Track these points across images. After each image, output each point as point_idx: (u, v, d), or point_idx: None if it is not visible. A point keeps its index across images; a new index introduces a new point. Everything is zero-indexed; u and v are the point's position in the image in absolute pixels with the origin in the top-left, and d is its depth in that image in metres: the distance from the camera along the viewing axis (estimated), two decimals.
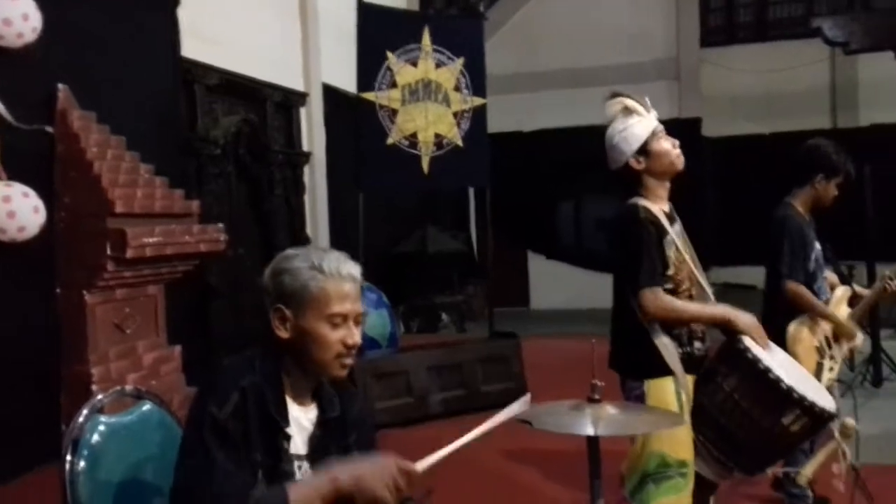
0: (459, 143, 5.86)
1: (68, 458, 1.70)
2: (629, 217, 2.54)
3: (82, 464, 1.71)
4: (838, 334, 3.46)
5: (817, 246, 3.57)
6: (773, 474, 3.71)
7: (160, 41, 6.25)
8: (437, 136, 5.78)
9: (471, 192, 13.00)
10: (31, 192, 4.40)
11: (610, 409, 1.82)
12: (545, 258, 13.26)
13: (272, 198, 8.30)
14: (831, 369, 3.48)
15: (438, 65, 5.83)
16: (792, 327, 3.40)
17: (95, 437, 1.76)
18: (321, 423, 1.73)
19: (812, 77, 12.40)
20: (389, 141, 5.64)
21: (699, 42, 12.88)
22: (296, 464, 1.67)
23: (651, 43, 12.83)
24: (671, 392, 2.46)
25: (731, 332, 2.53)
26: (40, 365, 4.71)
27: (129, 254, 4.69)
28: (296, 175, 8.76)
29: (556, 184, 12.93)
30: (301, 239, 8.74)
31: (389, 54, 5.66)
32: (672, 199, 2.68)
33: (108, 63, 5.46)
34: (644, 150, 2.56)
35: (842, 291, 3.64)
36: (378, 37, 5.64)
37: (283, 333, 1.66)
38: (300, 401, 1.71)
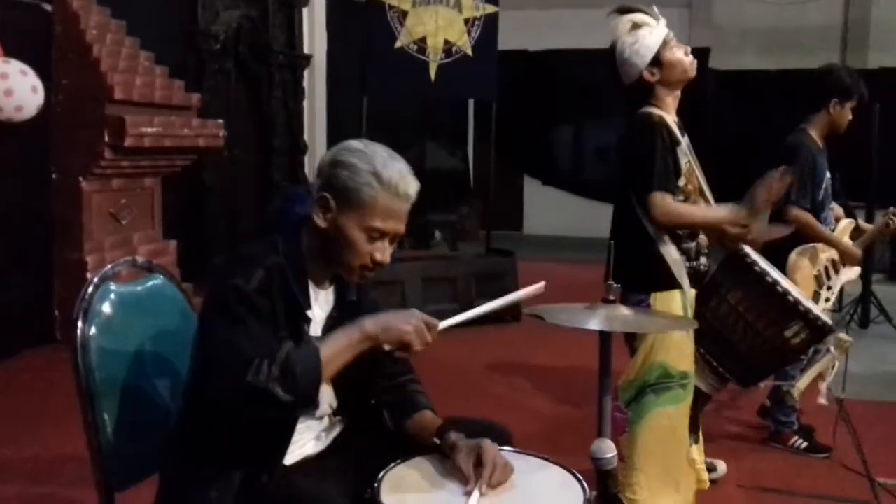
0: (469, 52, 5.71)
1: (79, 324, 1.67)
2: (643, 122, 2.49)
3: (93, 330, 1.69)
4: (843, 259, 3.47)
5: (828, 175, 3.54)
6: (762, 404, 3.80)
7: None
8: (447, 42, 5.63)
9: (471, 107, 12.79)
10: (30, 71, 4.24)
11: (623, 310, 1.81)
12: (541, 183, 13.17)
13: (271, 100, 8.15)
14: (827, 300, 3.51)
15: None
16: (793, 255, 3.40)
17: (106, 306, 1.74)
18: (338, 306, 1.71)
19: (824, 14, 12.13)
20: (398, 44, 5.49)
21: None
22: None
23: None
24: (678, 305, 2.45)
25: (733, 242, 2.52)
26: (34, 250, 4.68)
27: (128, 142, 4.61)
28: (296, 78, 8.58)
29: (557, 108, 12.74)
30: (299, 145, 8.63)
31: None
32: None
33: None
34: (657, 61, 2.49)
35: (846, 223, 3.64)
36: None
37: (321, 222, 1.61)
38: (320, 284, 1.68)
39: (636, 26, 2.49)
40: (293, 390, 1.44)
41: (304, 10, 8.70)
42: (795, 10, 11.86)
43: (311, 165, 8.88)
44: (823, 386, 2.84)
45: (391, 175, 1.58)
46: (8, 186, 4.50)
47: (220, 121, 5.63)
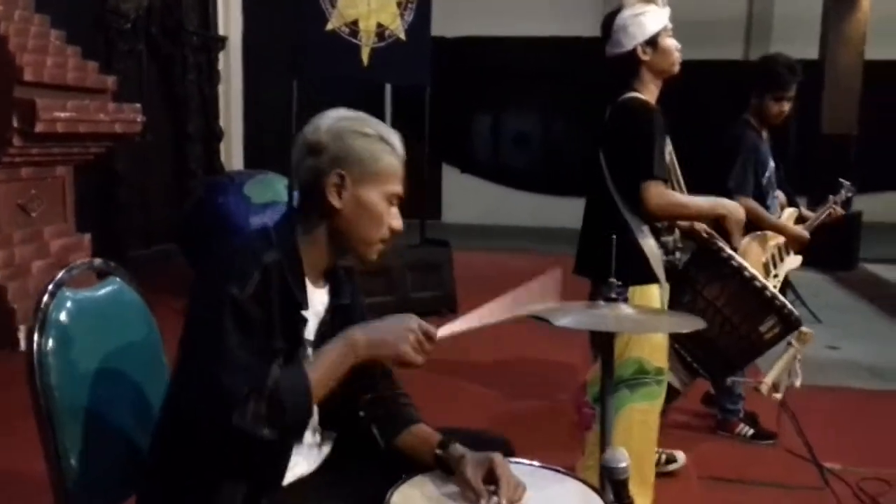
0: (402, 36, 5.55)
1: (35, 337, 1.46)
2: (638, 107, 2.43)
3: (51, 343, 1.48)
4: (789, 246, 3.52)
5: (771, 164, 3.58)
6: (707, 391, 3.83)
7: None
8: (380, 25, 5.45)
9: (387, 92, 12.59)
10: None
11: (627, 310, 1.74)
12: (460, 171, 13.13)
13: (185, 83, 7.76)
14: (774, 287, 3.56)
15: None
16: (744, 241, 3.43)
17: (63, 315, 1.54)
18: (332, 308, 1.57)
19: (730, 7, 12.52)
20: (329, 27, 5.27)
21: None
22: (305, 351, 1.51)
23: None
24: (657, 299, 2.41)
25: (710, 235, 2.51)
26: None
27: (39, 128, 4.25)
28: (210, 60, 8.20)
29: (475, 95, 12.71)
30: (215, 131, 8.26)
31: None
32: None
33: None
34: (653, 42, 2.45)
35: (790, 212, 3.70)
36: None
37: (337, 202, 1.48)
38: (315, 283, 1.54)
39: (646, 1, 2.43)
40: (282, 425, 1.34)
41: None
42: (700, 2, 12.20)
43: (226, 152, 8.52)
44: (797, 381, 2.87)
45: (394, 139, 1.53)
46: None
47: (138, 105, 5.29)
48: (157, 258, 7.18)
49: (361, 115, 1.54)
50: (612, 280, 1.79)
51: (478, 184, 12.92)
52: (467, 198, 12.82)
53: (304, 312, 1.48)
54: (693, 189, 2.66)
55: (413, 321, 1.44)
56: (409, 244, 5.92)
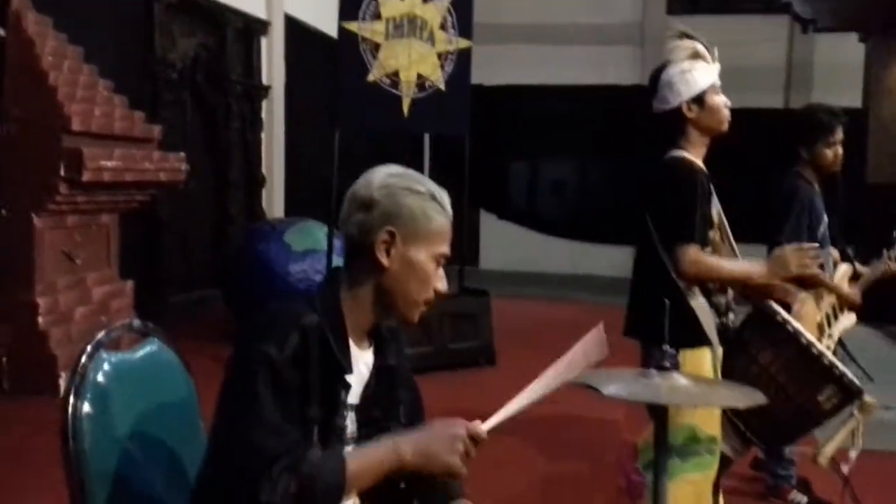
0: (442, 86, 5.57)
1: (71, 400, 1.43)
2: (681, 167, 2.37)
3: (87, 407, 1.44)
4: (842, 305, 3.39)
5: (825, 218, 3.48)
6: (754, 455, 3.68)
7: None
8: (420, 76, 5.48)
9: (426, 141, 12.69)
10: None
11: (681, 380, 1.65)
12: (497, 218, 13.11)
13: (228, 131, 7.89)
14: (828, 347, 3.42)
15: (426, 0, 5.51)
16: (797, 302, 3.30)
17: (100, 377, 1.50)
18: (377, 370, 1.52)
19: (769, 55, 12.45)
20: (370, 78, 5.32)
21: (665, 8, 12.79)
22: (348, 415, 1.45)
23: (618, 5, 12.67)
24: (708, 364, 2.32)
25: (758, 297, 2.41)
26: None
27: (86, 177, 4.31)
28: (253, 109, 8.34)
29: (511, 143, 12.75)
30: (257, 178, 8.36)
31: None
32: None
33: None
34: (700, 100, 2.40)
35: (844, 269, 3.56)
36: None
37: (385, 260, 1.44)
38: (359, 343, 1.49)
39: (695, 56, 2.38)
40: None
41: (263, 40, 8.49)
42: (741, 52, 12.11)
43: (268, 198, 8.60)
44: (853, 453, 2.72)
45: (444, 199, 1.50)
46: None
47: (182, 154, 5.36)
48: (198, 303, 7.23)
49: (413, 172, 1.50)
50: (666, 348, 1.71)
51: (515, 231, 12.87)
52: (505, 245, 12.77)
53: (347, 377, 1.43)
54: (737, 240, 2.58)
55: (461, 428, 1.38)
56: (447, 293, 5.85)
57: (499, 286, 8.76)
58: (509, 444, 4.12)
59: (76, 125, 4.33)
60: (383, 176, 1.47)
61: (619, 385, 1.63)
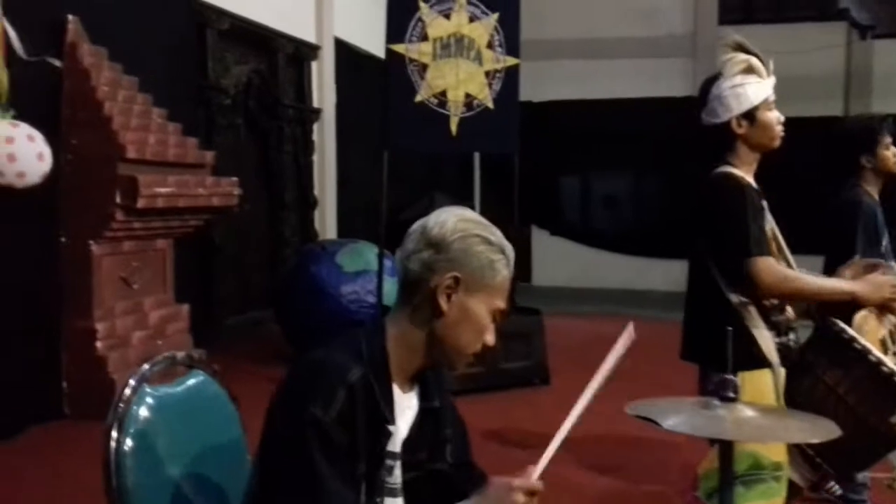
0: (490, 104, 5.53)
1: (114, 434, 1.42)
2: (729, 183, 2.29)
3: (129, 443, 1.43)
4: None
5: (886, 232, 3.33)
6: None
7: None
8: (468, 95, 5.45)
9: (476, 159, 12.67)
10: (38, 137, 4.02)
11: (746, 411, 1.55)
12: (549, 234, 13.00)
13: (281, 154, 7.99)
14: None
15: (472, 19, 5.48)
16: (859, 317, 3.15)
17: (143, 412, 1.49)
18: (422, 412, 1.47)
19: (827, 63, 12.13)
20: (418, 98, 5.30)
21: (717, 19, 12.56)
22: (392, 464, 1.41)
23: (667, 17, 12.50)
24: (769, 387, 2.22)
25: (825, 315, 2.29)
26: (42, 319, 4.41)
27: (140, 203, 4.39)
28: (305, 132, 8.44)
29: (562, 158, 12.66)
30: (309, 200, 8.44)
31: (422, 4, 5.30)
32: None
33: None
34: (750, 115, 2.31)
35: None
36: None
37: (445, 305, 1.39)
38: (403, 387, 1.45)
39: (748, 70, 2.30)
40: None
41: (314, 64, 8.60)
42: (797, 60, 11.81)
43: (320, 220, 8.68)
44: None
45: (510, 251, 1.44)
46: (15, 251, 4.25)
47: (235, 178, 5.43)
48: (253, 325, 7.31)
49: (485, 221, 1.46)
50: (730, 377, 1.61)
51: (567, 246, 12.75)
52: (557, 260, 12.66)
53: (390, 427, 1.39)
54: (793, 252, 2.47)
55: (517, 493, 1.36)
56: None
57: (551, 303, 8.71)
58: (568, 466, 4.03)
59: (131, 153, 4.43)
60: (457, 219, 1.42)
61: (680, 418, 1.55)
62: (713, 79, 2.38)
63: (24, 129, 3.98)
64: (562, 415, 1.45)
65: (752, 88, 2.30)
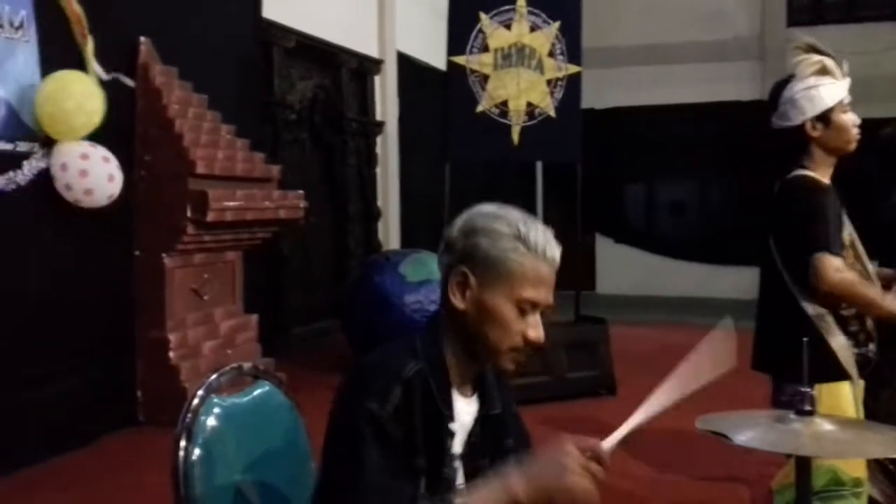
0: (552, 113, 5.51)
1: (182, 444, 1.45)
2: (807, 184, 2.22)
3: (197, 452, 1.46)
4: None
5: None
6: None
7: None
8: (529, 104, 5.45)
9: (538, 168, 12.61)
10: (113, 160, 4.19)
11: (824, 425, 1.49)
12: (613, 241, 12.82)
13: (345, 167, 8.11)
14: None
15: (533, 28, 5.47)
16: None
17: (211, 422, 1.52)
18: (482, 419, 1.45)
19: None
20: (479, 108, 5.33)
21: (786, 21, 12.23)
22: (456, 465, 1.40)
23: (734, 20, 12.22)
24: (848, 399, 2.13)
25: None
26: (116, 330, 4.56)
27: (210, 217, 4.50)
28: (368, 145, 8.54)
29: (626, 165, 12.50)
30: (373, 212, 8.54)
31: (482, 16, 5.33)
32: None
33: (192, 18, 5.24)
34: (825, 118, 2.24)
35: None
36: None
37: (459, 303, 1.37)
38: (462, 390, 1.43)
39: (822, 71, 2.24)
40: None
41: (376, 78, 8.71)
42: (869, 60, 11.39)
43: (384, 231, 8.77)
44: None
45: (537, 237, 1.36)
46: (92, 266, 4.41)
47: (301, 192, 5.53)
48: (318, 334, 7.42)
49: (504, 210, 1.41)
50: (807, 390, 1.55)
51: (632, 254, 12.56)
52: (622, 268, 12.48)
53: (450, 425, 1.38)
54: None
55: (568, 444, 1.26)
56: (564, 321, 5.74)
57: (616, 311, 8.61)
58: (637, 466, 3.96)
59: (201, 168, 4.55)
60: (469, 215, 1.41)
61: (754, 432, 1.49)
62: (784, 81, 2.32)
63: (100, 151, 4.15)
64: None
65: (826, 90, 2.23)
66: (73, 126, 4.01)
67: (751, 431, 1.47)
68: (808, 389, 1.54)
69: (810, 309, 2.16)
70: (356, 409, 1.29)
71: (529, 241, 1.36)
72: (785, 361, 2.24)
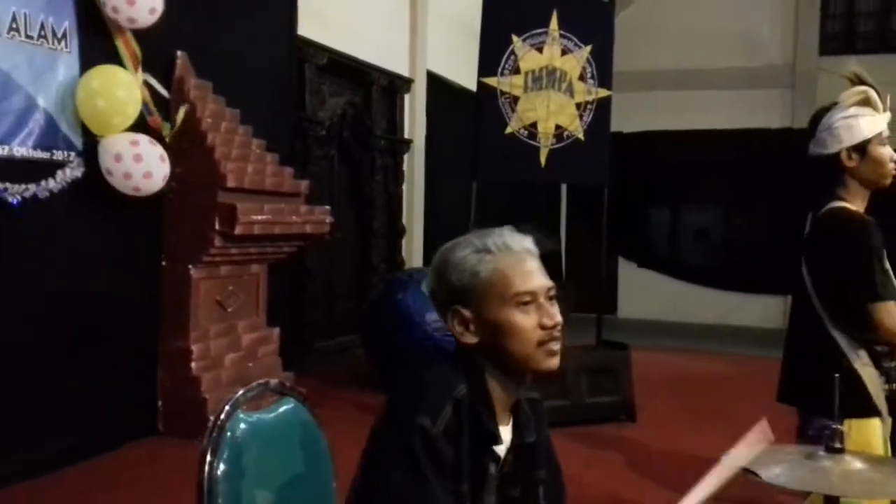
0: (581, 136, 5.52)
1: (208, 458, 1.46)
2: (850, 220, 2.19)
3: (222, 467, 1.47)
4: None
5: None
6: None
7: (279, 17, 6.11)
8: (558, 127, 5.46)
9: (563, 190, 12.60)
10: (158, 144, 4.35)
11: (855, 463, 1.47)
12: (636, 266, 12.74)
13: (372, 183, 8.15)
14: None
15: (564, 51, 5.49)
16: None
17: (237, 437, 1.53)
18: (515, 448, 1.45)
19: None
20: (508, 130, 5.34)
21: (818, 49, 12.16)
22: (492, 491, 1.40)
23: (765, 48, 12.17)
24: (878, 436, 2.10)
25: None
26: (141, 339, 4.60)
27: (238, 230, 4.54)
28: (396, 162, 8.59)
29: (652, 189, 12.44)
30: (397, 228, 8.57)
31: (515, 38, 5.36)
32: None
33: (227, 34, 5.32)
34: (861, 149, 2.22)
35: None
36: (504, 19, 5.34)
37: (470, 338, 1.39)
38: (501, 418, 1.43)
39: (864, 102, 2.22)
40: None
41: (406, 97, 8.77)
42: None
43: (407, 248, 8.79)
44: None
45: (495, 240, 1.39)
46: (120, 273, 4.47)
47: (327, 207, 5.57)
48: (339, 349, 7.43)
49: (460, 238, 1.44)
50: (837, 426, 1.53)
51: (655, 279, 12.46)
52: (644, 293, 12.38)
53: (496, 448, 1.38)
54: None
55: None
56: (585, 346, 5.71)
57: (637, 336, 8.57)
58: (659, 491, 3.90)
59: (231, 182, 4.60)
60: (433, 262, 1.45)
61: (781, 469, 1.47)
62: (826, 109, 2.31)
63: (143, 136, 4.32)
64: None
65: (865, 121, 2.21)
66: (126, 115, 4.18)
67: (778, 468, 1.45)
68: (838, 425, 1.51)
69: (842, 341, 2.14)
70: (409, 423, 1.29)
71: (489, 246, 1.39)
72: (814, 394, 2.20)
